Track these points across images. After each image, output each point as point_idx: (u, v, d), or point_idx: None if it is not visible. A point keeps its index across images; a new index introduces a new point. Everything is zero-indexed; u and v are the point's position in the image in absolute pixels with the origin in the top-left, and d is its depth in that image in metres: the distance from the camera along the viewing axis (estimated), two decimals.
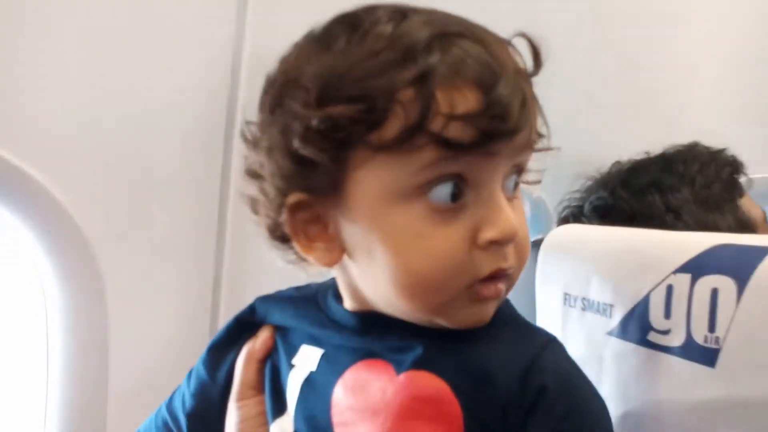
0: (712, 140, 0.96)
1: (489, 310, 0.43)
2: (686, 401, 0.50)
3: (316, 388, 0.45)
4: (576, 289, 0.62)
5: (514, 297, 0.73)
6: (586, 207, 0.88)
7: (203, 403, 0.53)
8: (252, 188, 0.45)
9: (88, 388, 0.77)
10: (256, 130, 0.44)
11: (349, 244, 0.42)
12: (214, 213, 0.80)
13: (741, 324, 0.46)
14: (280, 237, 0.45)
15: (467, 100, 0.37)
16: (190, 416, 0.53)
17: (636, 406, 0.54)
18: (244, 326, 0.53)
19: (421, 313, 0.42)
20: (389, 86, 0.37)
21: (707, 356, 0.48)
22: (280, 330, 0.51)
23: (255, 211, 0.46)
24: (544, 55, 0.43)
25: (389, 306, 0.43)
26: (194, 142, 0.79)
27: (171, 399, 0.56)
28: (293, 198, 0.42)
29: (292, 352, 0.48)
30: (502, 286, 0.42)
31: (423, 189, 0.39)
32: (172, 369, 0.64)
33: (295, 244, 0.44)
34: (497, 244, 0.39)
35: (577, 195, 0.93)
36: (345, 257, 0.43)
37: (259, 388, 0.50)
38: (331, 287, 0.49)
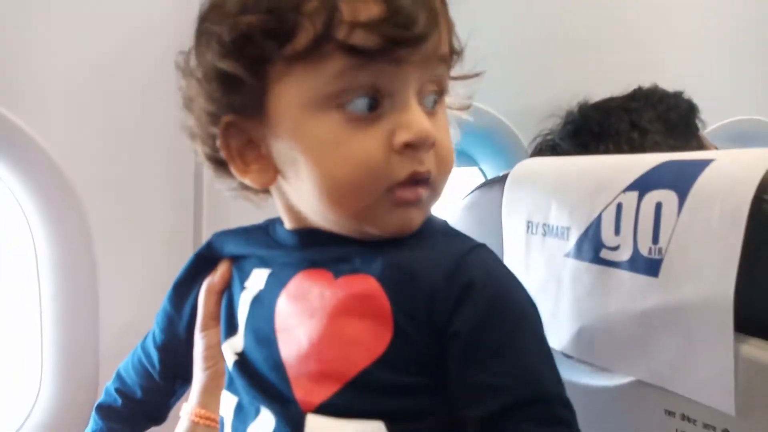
0: (684, 85, 0.98)
1: (413, 215, 0.44)
2: (633, 312, 0.52)
3: (263, 303, 0.48)
4: (537, 216, 0.64)
5: (485, 233, 0.76)
6: (559, 134, 0.91)
7: (172, 337, 0.57)
8: (190, 119, 0.47)
9: (80, 327, 0.81)
10: (189, 59, 0.45)
11: (278, 161, 0.44)
12: (191, 154, 0.81)
13: (681, 234, 0.48)
14: (220, 165, 0.47)
15: (370, 9, 0.39)
16: (161, 349, 0.58)
17: (589, 321, 0.57)
18: (203, 262, 0.56)
19: (348, 221, 0.44)
20: (295, 0, 0.39)
21: (651, 267, 0.50)
22: (236, 260, 0.53)
23: (194, 142, 0.47)
24: None
25: (321, 219, 0.45)
26: (172, 89, 0.80)
27: (145, 339, 0.60)
28: (224, 120, 0.43)
29: (244, 277, 0.51)
30: (421, 190, 0.43)
31: (339, 99, 0.40)
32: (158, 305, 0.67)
33: (232, 168, 0.45)
34: (411, 147, 0.41)
35: (548, 130, 0.95)
36: (279, 178, 0.45)
37: (220, 319, 0.53)
38: (277, 219, 0.52)
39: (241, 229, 0.55)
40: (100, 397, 0.62)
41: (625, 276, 0.53)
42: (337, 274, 0.45)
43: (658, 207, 0.51)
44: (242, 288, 0.51)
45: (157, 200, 0.83)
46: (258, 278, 0.50)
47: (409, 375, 0.42)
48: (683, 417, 0.50)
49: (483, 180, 0.97)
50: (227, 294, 0.53)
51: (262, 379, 0.46)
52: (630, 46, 1.19)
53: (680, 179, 0.50)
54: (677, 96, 0.93)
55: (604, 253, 0.55)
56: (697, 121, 0.93)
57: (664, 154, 0.54)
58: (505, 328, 0.42)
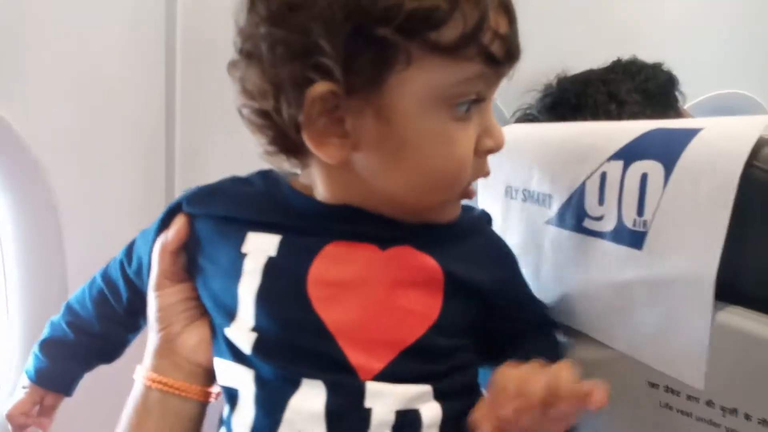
0: (666, 57, 0.98)
1: (460, 207, 0.50)
2: (614, 283, 0.52)
3: (284, 270, 0.46)
4: (517, 181, 0.63)
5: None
6: (537, 107, 0.89)
7: (140, 270, 0.55)
8: (250, 72, 0.43)
9: (48, 307, 0.78)
10: (282, 5, 0.41)
11: (369, 140, 0.43)
12: (162, 124, 0.79)
13: (667, 206, 0.48)
14: (267, 122, 0.44)
15: (503, 22, 0.42)
16: (130, 278, 0.56)
17: (570, 289, 0.57)
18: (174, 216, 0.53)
19: (424, 208, 0.47)
20: None
21: (635, 239, 0.50)
22: (217, 221, 0.50)
23: (250, 96, 0.44)
24: None
25: (390, 200, 0.46)
26: (136, 55, 0.78)
27: (106, 269, 0.58)
28: (323, 86, 0.40)
29: (237, 242, 0.48)
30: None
31: (457, 99, 0.42)
32: None
33: (305, 136, 0.43)
34: (489, 153, 0.46)
35: (528, 104, 0.94)
36: (354, 154, 0.44)
37: (175, 279, 0.52)
38: (280, 180, 0.50)
39: (224, 188, 0.52)
40: (43, 333, 0.59)
41: (608, 247, 0.52)
42: (382, 245, 0.47)
43: (644, 178, 0.50)
44: (240, 253, 0.47)
45: (126, 174, 0.80)
46: (262, 244, 0.47)
47: (458, 338, 0.47)
48: (667, 389, 0.50)
49: None
50: (203, 259, 0.50)
51: (301, 350, 0.45)
52: (613, 19, 1.18)
53: (667, 150, 0.48)
54: (656, 67, 0.92)
55: (588, 223, 0.54)
56: (677, 93, 0.92)
57: (651, 122, 0.53)
58: (518, 280, 0.54)
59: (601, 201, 0.53)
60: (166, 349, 0.52)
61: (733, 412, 0.45)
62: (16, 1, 0.70)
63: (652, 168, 0.49)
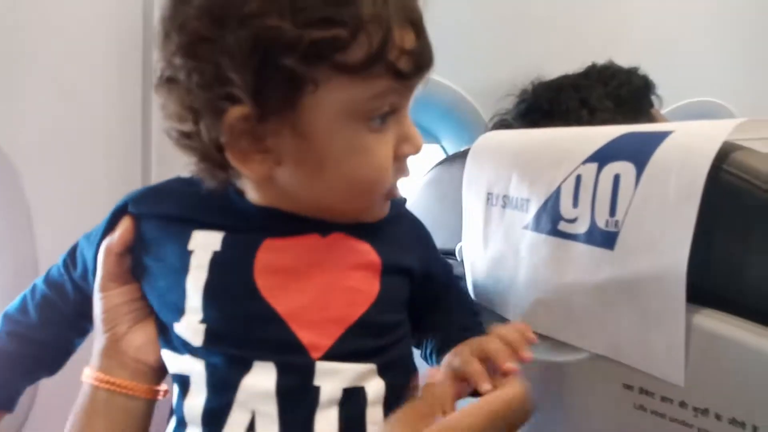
0: (646, 63, 0.99)
1: (385, 211, 0.53)
2: (589, 284, 0.52)
3: (229, 263, 0.49)
4: (498, 187, 0.64)
5: (446, 208, 0.75)
6: (512, 113, 0.90)
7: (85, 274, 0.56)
8: (172, 97, 0.45)
9: None
10: (192, 39, 0.43)
11: (290, 156, 0.46)
12: (138, 125, 0.78)
13: (637, 206, 0.48)
14: (189, 144, 0.46)
15: (409, 38, 0.44)
16: (76, 280, 0.56)
17: (546, 293, 0.57)
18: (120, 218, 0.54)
19: (353, 211, 0.51)
20: (358, 15, 0.41)
21: (607, 239, 0.51)
22: (163, 220, 0.52)
23: (175, 119, 0.46)
24: None
25: (320, 207, 0.49)
26: (113, 53, 0.77)
27: (47, 275, 0.57)
28: (237, 111, 0.43)
29: (183, 240, 0.50)
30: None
31: (371, 113, 0.45)
32: None
33: (229, 155, 0.45)
34: (408, 156, 0.49)
35: (505, 110, 0.95)
36: (277, 169, 0.47)
37: (120, 281, 0.53)
38: (227, 185, 0.51)
39: (165, 188, 0.54)
40: None
41: (582, 249, 0.53)
42: (323, 233, 0.50)
43: (617, 179, 0.50)
44: (187, 251, 0.49)
45: (101, 169, 0.79)
46: (206, 240, 0.49)
47: (396, 313, 0.52)
48: (641, 390, 0.51)
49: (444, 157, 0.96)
50: (148, 259, 0.52)
51: (251, 337, 0.47)
52: (593, 24, 1.19)
53: (639, 151, 0.49)
54: (630, 72, 0.93)
55: (562, 226, 0.55)
56: (653, 98, 0.93)
57: (625, 126, 0.54)
58: (435, 255, 0.60)
59: (575, 203, 0.54)
60: (112, 349, 0.52)
61: (705, 412, 0.46)
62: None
63: (625, 169, 0.50)
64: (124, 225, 0.52)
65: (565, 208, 0.54)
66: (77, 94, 0.76)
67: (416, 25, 0.45)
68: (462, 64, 1.01)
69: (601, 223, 0.51)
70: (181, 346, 0.49)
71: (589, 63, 0.98)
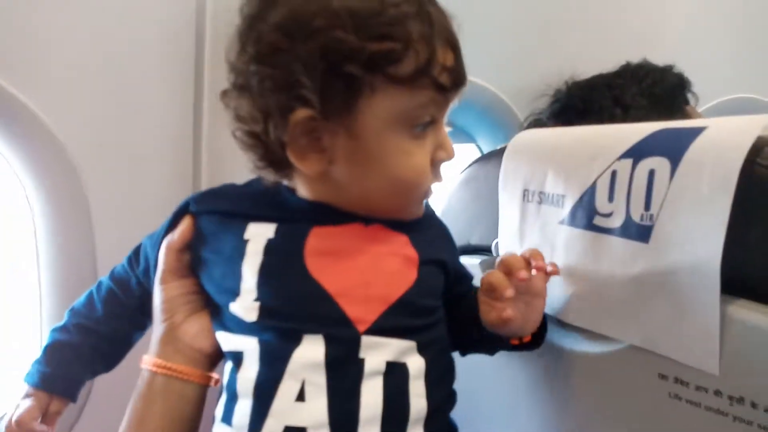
0: (682, 62, 0.98)
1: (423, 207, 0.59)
2: (624, 277, 0.54)
3: (281, 248, 0.54)
4: (534, 184, 0.65)
5: (481, 206, 0.76)
6: (545, 112, 0.91)
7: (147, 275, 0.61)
8: (243, 101, 0.51)
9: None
10: (267, 49, 0.49)
11: (343, 155, 0.51)
12: (189, 126, 0.82)
13: (672, 200, 0.50)
14: (257, 143, 0.52)
15: (449, 58, 0.50)
16: (141, 276, 0.61)
17: (582, 286, 0.59)
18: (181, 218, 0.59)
19: (393, 208, 0.55)
20: (409, 33, 0.48)
21: (642, 233, 0.52)
22: (221, 216, 0.57)
23: (244, 122, 0.51)
24: None
25: (364, 203, 0.54)
26: (167, 58, 0.80)
27: (112, 273, 0.63)
28: (303, 112, 0.49)
29: (239, 231, 0.55)
30: None
31: (414, 121, 0.51)
32: None
33: (290, 153, 0.51)
34: (443, 162, 0.55)
35: (540, 109, 0.96)
36: (331, 166, 0.52)
37: (180, 274, 0.58)
38: (279, 184, 0.57)
39: (228, 190, 0.60)
40: (46, 341, 0.60)
41: (617, 242, 0.54)
42: (365, 222, 0.55)
43: (651, 174, 0.52)
44: (243, 240, 0.54)
45: (155, 168, 0.83)
46: (262, 230, 0.54)
47: (432, 298, 0.56)
48: (676, 380, 0.51)
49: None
50: (207, 252, 0.56)
51: (302, 312, 0.51)
52: (628, 23, 1.19)
53: (673, 146, 0.51)
54: (665, 70, 0.92)
55: (598, 220, 0.56)
56: (688, 95, 0.93)
57: (660, 123, 0.55)
58: (458, 257, 0.64)
59: (610, 198, 0.55)
60: (169, 336, 0.57)
61: (741, 401, 0.46)
62: (52, 4, 0.72)
63: (659, 164, 0.51)
64: (185, 223, 0.58)
65: (601, 202, 0.56)
66: (133, 95, 0.80)
67: (455, 46, 0.51)
68: (497, 66, 1.02)
69: (636, 217, 0.52)
70: (235, 326, 0.53)
71: (623, 62, 0.98)
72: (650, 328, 0.53)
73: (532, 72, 1.03)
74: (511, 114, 1.01)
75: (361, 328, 0.51)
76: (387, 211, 0.55)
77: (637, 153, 0.53)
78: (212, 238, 0.56)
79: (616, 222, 0.54)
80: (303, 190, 0.55)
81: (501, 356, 0.64)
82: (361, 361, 0.51)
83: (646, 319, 0.53)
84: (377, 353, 0.51)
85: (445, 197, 0.83)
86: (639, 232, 0.52)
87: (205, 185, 0.83)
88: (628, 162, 0.54)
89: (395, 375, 0.51)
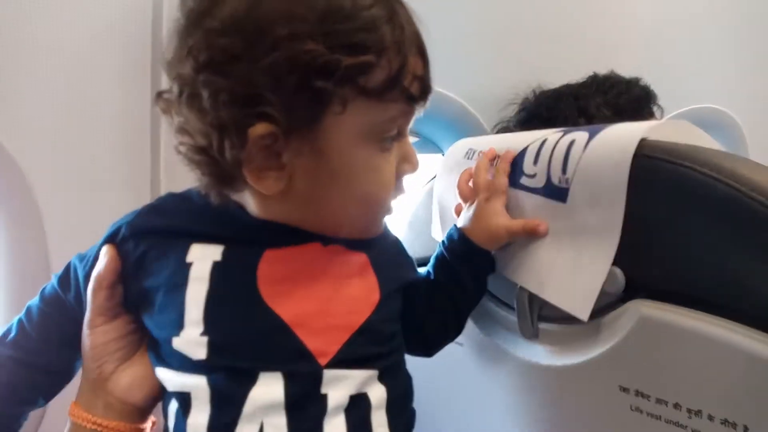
0: (644, 72, 0.99)
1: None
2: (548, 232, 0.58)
3: (231, 273, 0.49)
4: (478, 147, 0.70)
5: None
6: (513, 121, 0.92)
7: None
8: (193, 114, 0.44)
9: None
10: (221, 57, 0.43)
11: (304, 172, 0.47)
12: (147, 131, 0.80)
13: (583, 167, 0.54)
14: (204, 161, 0.46)
15: (419, 65, 0.47)
16: (75, 300, 0.54)
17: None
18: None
19: (358, 227, 0.52)
20: (381, 42, 0.44)
21: (560, 194, 0.56)
22: (160, 236, 0.50)
23: (187, 136, 0.45)
24: None
25: (326, 222, 0.51)
26: (123, 71, 0.79)
27: (42, 295, 0.56)
28: (263, 128, 0.43)
29: (181, 253, 0.49)
30: None
31: (383, 134, 0.47)
32: None
33: (246, 172, 0.45)
34: (406, 175, 0.52)
35: (508, 118, 0.97)
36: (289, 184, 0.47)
37: (110, 314, 0.51)
38: (229, 200, 0.50)
39: (160, 205, 0.54)
40: None
41: (541, 201, 0.58)
42: (324, 243, 0.51)
43: (571, 143, 0.56)
44: (186, 263, 0.49)
45: (110, 174, 0.80)
46: (206, 252, 0.49)
47: (394, 322, 0.54)
48: (637, 393, 0.52)
49: None
50: (146, 280, 0.50)
51: (257, 346, 0.47)
52: (594, 34, 1.18)
53: (597, 128, 0.56)
54: (630, 82, 0.93)
55: (524, 180, 0.61)
56: (654, 108, 0.94)
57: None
58: (415, 270, 0.61)
59: (535, 162, 0.59)
60: (99, 388, 0.51)
61: (699, 413, 0.47)
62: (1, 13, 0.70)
63: (580, 136, 0.55)
64: (108, 255, 0.50)
65: (528, 165, 0.60)
66: (86, 98, 0.78)
67: (423, 52, 0.48)
68: (464, 76, 1.02)
69: (555, 180, 0.56)
70: (180, 363, 0.48)
71: (590, 72, 0.98)
72: (548, 276, 0.57)
73: (499, 82, 1.03)
74: (478, 124, 1.01)
75: (323, 361, 0.47)
76: (351, 231, 0.52)
77: (567, 131, 0.58)
78: (151, 263, 0.50)
79: (540, 183, 0.58)
80: (255, 208, 0.50)
81: (465, 370, 0.64)
82: (323, 397, 0.47)
83: (549, 269, 0.58)
84: (340, 387, 0.48)
85: (411, 208, 0.83)
86: (558, 192, 0.56)
87: (164, 191, 0.81)
88: (558, 134, 0.58)
89: (358, 408, 0.48)
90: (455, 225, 0.62)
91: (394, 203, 0.53)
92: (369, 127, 0.46)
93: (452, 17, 0.98)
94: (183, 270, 0.48)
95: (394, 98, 0.46)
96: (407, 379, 0.56)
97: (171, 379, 0.49)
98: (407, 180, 0.53)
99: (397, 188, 0.52)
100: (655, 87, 0.98)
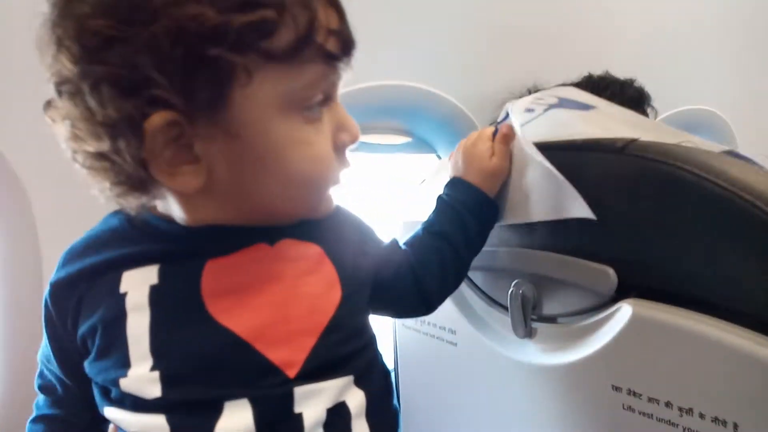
0: (643, 70, 1.00)
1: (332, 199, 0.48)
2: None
3: (172, 295, 0.43)
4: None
5: None
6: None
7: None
8: (77, 114, 0.38)
9: (26, 330, 0.77)
10: (96, 42, 0.36)
11: (224, 160, 0.41)
12: None
13: None
14: (105, 165, 0.39)
15: (332, 17, 0.41)
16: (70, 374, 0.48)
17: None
18: (59, 298, 0.46)
19: (300, 210, 0.46)
20: None
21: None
22: (91, 274, 0.45)
23: (75, 140, 0.39)
24: None
25: (263, 213, 0.45)
26: None
27: (38, 409, 0.51)
28: (160, 117, 0.37)
29: (113, 285, 0.44)
30: None
31: (307, 102, 0.41)
32: None
33: (155, 171, 0.39)
34: (347, 145, 0.45)
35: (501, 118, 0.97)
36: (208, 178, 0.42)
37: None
38: (137, 212, 0.45)
39: (82, 242, 0.48)
40: None
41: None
42: (271, 241, 0.46)
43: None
44: (120, 295, 0.43)
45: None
46: (139, 277, 0.44)
47: (362, 313, 0.50)
48: (629, 392, 0.52)
49: None
50: (82, 327, 0.45)
51: (217, 369, 0.42)
52: (588, 34, 1.20)
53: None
54: (624, 84, 0.94)
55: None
56: (648, 109, 0.95)
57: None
58: (376, 244, 0.56)
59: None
60: None
61: (689, 411, 0.47)
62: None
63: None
64: None
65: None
66: None
67: (337, 5, 0.41)
68: (457, 76, 1.02)
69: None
70: (134, 404, 0.43)
71: (583, 71, 0.99)
72: (540, 206, 0.58)
73: (493, 82, 1.03)
74: (471, 125, 1.01)
75: (291, 372, 0.42)
76: (293, 215, 0.46)
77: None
78: (85, 308, 0.45)
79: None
80: (182, 213, 0.44)
81: (458, 369, 0.64)
82: (298, 417, 0.42)
83: (543, 200, 0.58)
84: (314, 402, 0.43)
85: (405, 208, 0.83)
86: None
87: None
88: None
89: (337, 420, 0.44)
90: (454, 176, 0.62)
91: (342, 176, 0.47)
92: (285, 97, 0.40)
93: (446, 17, 0.98)
94: (118, 302, 0.43)
95: (309, 59, 0.39)
96: (385, 377, 0.51)
97: (126, 419, 0.43)
98: (351, 151, 0.47)
99: (340, 161, 0.45)
100: (647, 86, 0.99)
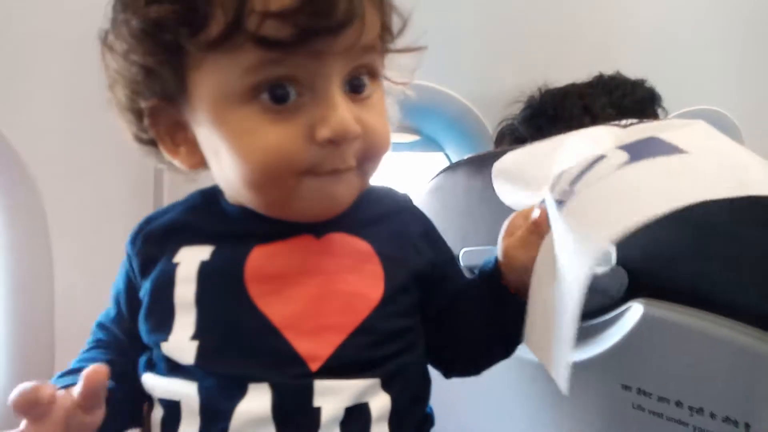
0: (652, 69, 1.00)
1: (338, 201, 0.45)
2: None
3: (218, 272, 0.45)
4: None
5: (449, 214, 0.76)
6: (518, 118, 0.92)
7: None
8: (117, 93, 0.45)
9: (35, 321, 0.78)
10: (109, 39, 0.44)
11: (202, 146, 0.45)
12: None
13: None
14: (148, 142, 0.47)
15: (278, 0, 0.38)
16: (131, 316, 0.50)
17: None
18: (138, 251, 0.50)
19: (269, 207, 0.45)
20: None
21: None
22: (159, 236, 0.49)
23: (122, 120, 0.46)
24: None
25: (248, 203, 0.46)
26: None
27: (98, 324, 0.53)
28: (148, 104, 0.44)
29: (170, 254, 0.47)
30: (344, 178, 0.44)
31: (255, 91, 0.40)
32: None
33: (161, 149, 0.46)
34: (333, 143, 0.41)
35: (512, 116, 0.97)
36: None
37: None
38: (216, 194, 0.49)
39: (163, 210, 0.52)
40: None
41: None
42: (318, 234, 0.46)
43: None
44: (172, 264, 0.46)
45: (115, 185, 0.80)
46: (194, 253, 0.46)
47: (403, 318, 0.47)
48: (639, 391, 0.52)
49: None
50: (144, 285, 0.48)
51: (246, 349, 0.43)
52: (596, 33, 1.20)
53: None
54: (636, 84, 0.94)
55: None
56: (658, 110, 0.95)
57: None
58: (443, 252, 0.53)
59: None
60: None
61: (700, 411, 0.47)
62: (7, 9, 0.70)
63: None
64: (96, 374, 0.41)
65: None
66: (91, 92, 0.77)
67: None
68: (466, 75, 1.02)
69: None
70: (169, 369, 0.45)
71: (591, 71, 0.99)
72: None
73: (501, 82, 1.03)
74: (480, 123, 1.01)
75: (314, 365, 0.43)
76: (270, 212, 0.45)
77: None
78: (149, 262, 0.48)
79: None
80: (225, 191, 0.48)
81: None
82: (316, 411, 0.42)
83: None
84: (334, 399, 0.43)
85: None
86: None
87: (166, 193, 0.81)
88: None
89: (355, 421, 0.43)
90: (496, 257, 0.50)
91: (328, 172, 0.43)
92: (225, 85, 0.40)
93: (455, 16, 0.98)
94: (170, 270, 0.46)
95: (240, 45, 0.38)
96: (422, 385, 0.49)
97: (159, 385, 0.45)
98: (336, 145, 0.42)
99: (324, 156, 0.42)
100: (656, 85, 0.99)
